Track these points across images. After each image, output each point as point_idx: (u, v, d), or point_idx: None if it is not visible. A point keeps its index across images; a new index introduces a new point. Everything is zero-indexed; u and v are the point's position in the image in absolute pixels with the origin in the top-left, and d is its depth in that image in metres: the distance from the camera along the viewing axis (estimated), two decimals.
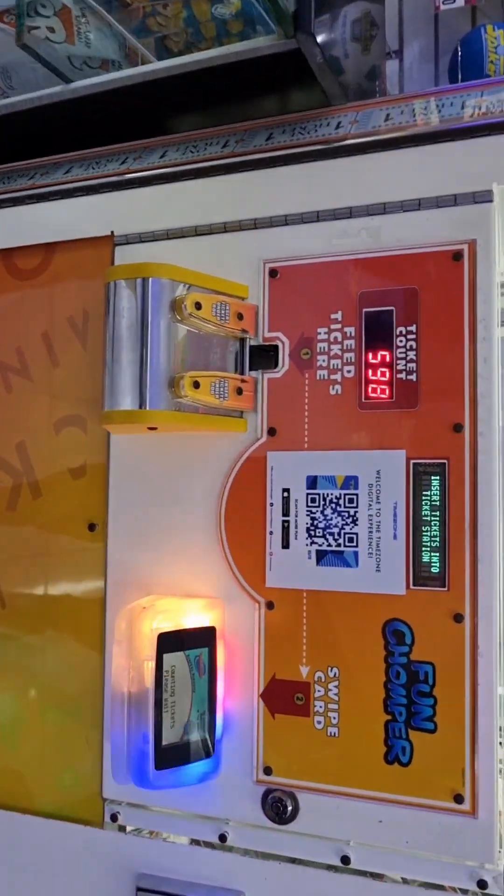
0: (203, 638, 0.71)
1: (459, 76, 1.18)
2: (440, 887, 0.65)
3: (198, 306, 0.69)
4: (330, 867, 0.68)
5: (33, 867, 0.79)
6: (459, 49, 1.13)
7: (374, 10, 0.93)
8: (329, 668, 0.69)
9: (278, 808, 0.69)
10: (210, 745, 0.70)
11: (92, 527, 0.80)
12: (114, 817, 0.76)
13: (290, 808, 0.69)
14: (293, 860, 0.69)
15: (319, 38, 0.71)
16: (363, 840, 0.67)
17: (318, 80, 0.76)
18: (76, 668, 0.79)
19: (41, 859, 0.79)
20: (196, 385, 0.68)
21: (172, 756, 0.68)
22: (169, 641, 0.69)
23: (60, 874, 0.78)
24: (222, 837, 0.71)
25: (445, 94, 0.74)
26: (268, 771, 0.70)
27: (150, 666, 0.68)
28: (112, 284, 0.69)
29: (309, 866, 0.69)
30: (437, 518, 0.66)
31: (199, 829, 0.73)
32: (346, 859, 0.67)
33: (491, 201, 0.67)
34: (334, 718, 0.68)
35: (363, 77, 1.09)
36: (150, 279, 0.68)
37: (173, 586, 0.75)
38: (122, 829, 0.76)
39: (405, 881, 0.66)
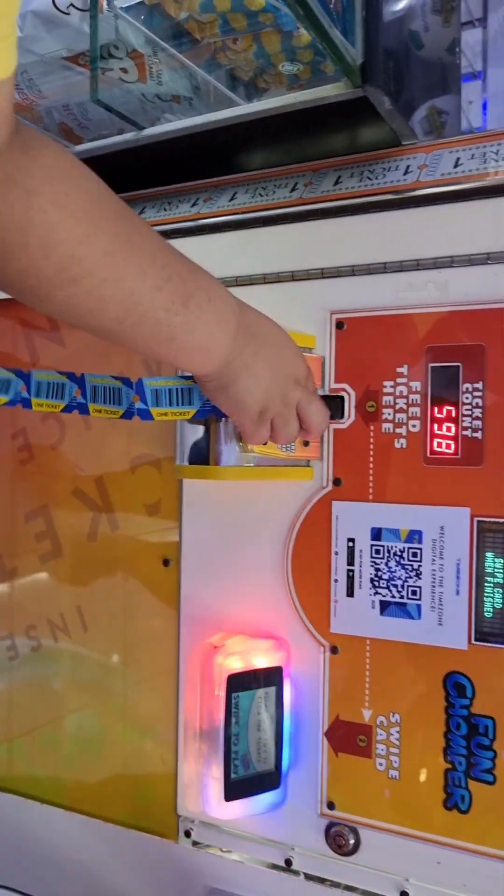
0: (271, 677, 0.75)
1: None
2: None
3: None
4: None
5: (111, 872, 0.86)
6: None
7: None
8: (391, 714, 0.72)
9: (340, 841, 0.73)
10: (277, 778, 0.74)
11: (166, 562, 0.84)
12: (187, 833, 0.82)
13: (352, 842, 0.73)
14: (354, 889, 0.73)
15: (398, 8, 0.69)
16: (422, 878, 0.70)
17: (387, 123, 0.75)
18: (153, 692, 0.85)
19: (118, 865, 0.86)
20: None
21: (241, 788, 0.73)
22: (238, 681, 0.73)
23: (134, 881, 0.85)
24: (288, 862, 0.76)
25: None
26: (331, 805, 0.74)
27: (221, 704, 0.72)
28: None
29: None
30: (501, 576, 0.67)
31: (267, 852, 0.77)
32: (404, 894, 0.71)
33: None
34: (395, 762, 0.71)
35: (443, 51, 1.07)
36: None
37: (242, 624, 0.79)
38: (195, 844, 0.82)
39: None
